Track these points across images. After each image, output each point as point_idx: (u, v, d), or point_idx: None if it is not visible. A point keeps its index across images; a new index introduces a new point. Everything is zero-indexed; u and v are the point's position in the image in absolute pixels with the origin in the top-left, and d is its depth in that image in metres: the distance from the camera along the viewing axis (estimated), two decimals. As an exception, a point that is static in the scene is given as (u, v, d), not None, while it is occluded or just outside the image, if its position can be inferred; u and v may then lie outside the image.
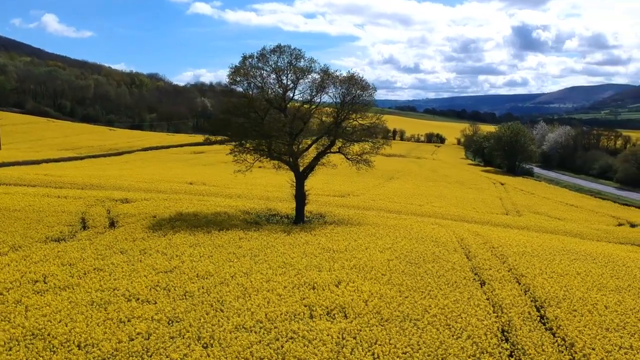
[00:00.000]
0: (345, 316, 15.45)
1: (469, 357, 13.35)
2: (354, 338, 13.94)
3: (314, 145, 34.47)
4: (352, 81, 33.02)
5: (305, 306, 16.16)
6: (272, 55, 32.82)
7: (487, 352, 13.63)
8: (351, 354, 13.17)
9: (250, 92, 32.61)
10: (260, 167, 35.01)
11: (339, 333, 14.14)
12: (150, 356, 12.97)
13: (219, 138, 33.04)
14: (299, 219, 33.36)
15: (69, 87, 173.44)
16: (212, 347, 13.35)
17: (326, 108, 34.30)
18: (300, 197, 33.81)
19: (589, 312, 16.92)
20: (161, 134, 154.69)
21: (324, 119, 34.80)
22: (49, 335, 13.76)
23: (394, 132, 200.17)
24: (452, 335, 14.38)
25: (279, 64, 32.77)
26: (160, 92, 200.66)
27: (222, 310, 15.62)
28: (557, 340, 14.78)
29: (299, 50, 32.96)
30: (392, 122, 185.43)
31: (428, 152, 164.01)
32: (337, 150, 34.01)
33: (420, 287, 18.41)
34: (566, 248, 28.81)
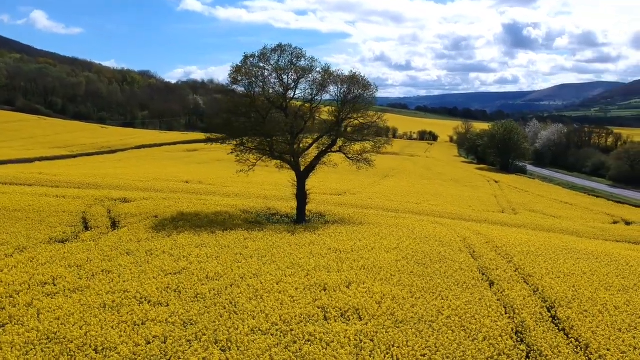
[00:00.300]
0: (360, 318, 15.44)
1: (488, 359, 13.40)
2: (371, 340, 13.94)
3: (314, 145, 34.47)
4: (354, 80, 33.04)
5: (319, 308, 16.14)
6: (273, 55, 32.78)
7: (504, 354, 13.67)
8: (370, 356, 13.17)
9: (251, 92, 32.55)
10: (265, 166, 34.82)
11: (355, 335, 14.13)
12: (169, 360, 12.93)
13: (220, 136, 32.75)
14: (300, 218, 33.34)
15: (60, 85, 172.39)
16: (230, 350, 13.30)
17: (328, 107, 34.25)
18: (302, 196, 33.79)
19: (600, 313, 17.02)
20: (154, 131, 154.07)
21: (325, 118, 34.80)
22: (64, 338, 13.66)
23: (387, 129, 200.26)
24: (469, 337, 14.41)
25: (280, 63, 32.74)
26: (152, 89, 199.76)
27: (236, 313, 15.57)
28: (571, 342, 14.84)
29: (300, 49, 32.96)
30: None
31: (421, 149, 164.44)
32: (338, 149, 34.01)
33: (430, 288, 18.45)
34: (568, 247, 28.95)
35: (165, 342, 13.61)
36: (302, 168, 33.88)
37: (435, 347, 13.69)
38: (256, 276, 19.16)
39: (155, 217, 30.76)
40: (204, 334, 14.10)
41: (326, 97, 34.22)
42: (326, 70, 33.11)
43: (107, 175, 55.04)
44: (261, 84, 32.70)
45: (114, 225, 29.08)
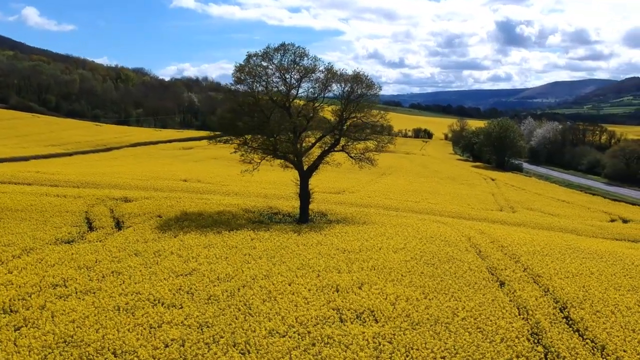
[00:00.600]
0: (376, 320, 15.45)
1: (507, 361, 13.44)
2: (390, 342, 13.94)
3: (317, 144, 34.42)
4: (357, 79, 33.00)
5: (333, 309, 16.13)
6: (276, 54, 32.68)
7: (523, 356, 13.72)
8: (390, 359, 13.17)
9: (255, 91, 32.44)
10: (270, 165, 34.77)
11: (373, 338, 14.14)
12: (189, 363, 12.89)
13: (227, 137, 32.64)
14: (304, 218, 33.28)
15: (53, 82, 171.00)
16: (249, 353, 13.28)
17: (332, 106, 34.18)
18: (305, 195, 33.73)
19: (612, 313, 17.10)
20: (149, 129, 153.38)
21: (328, 117, 34.77)
22: (82, 342, 13.60)
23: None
24: (486, 339, 14.43)
25: (283, 62, 32.66)
26: (146, 87, 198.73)
27: (251, 315, 15.53)
28: (587, 343, 14.89)
29: (303, 48, 32.91)
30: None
31: (417, 147, 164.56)
32: (341, 148, 33.98)
33: (442, 289, 18.47)
34: (572, 246, 29.07)
35: (183, 346, 13.56)
36: (305, 167, 33.82)
37: (454, 349, 13.72)
38: (267, 277, 19.12)
39: (159, 216, 30.68)
40: (222, 337, 14.06)
41: (330, 95, 34.22)
42: (329, 70, 33.06)
43: (105, 174, 54.78)
44: (264, 83, 32.61)
45: (118, 225, 28.97)
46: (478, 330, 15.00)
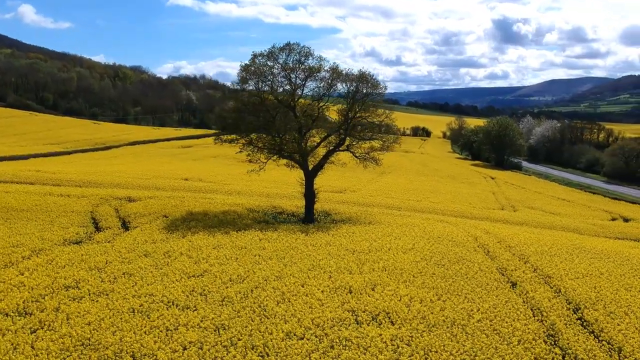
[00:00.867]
0: (392, 322, 15.43)
1: (526, 364, 13.45)
2: (408, 345, 13.93)
3: (322, 143, 34.39)
4: (363, 79, 32.98)
5: (348, 311, 16.13)
6: (282, 54, 32.65)
7: (541, 358, 13.74)
8: (410, 362, 13.17)
9: (261, 91, 32.41)
10: (277, 165, 34.75)
11: (391, 340, 14.12)
12: (209, 366, 12.86)
13: (233, 136, 32.55)
14: (309, 217, 33.24)
15: (51, 80, 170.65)
16: (268, 356, 13.26)
17: (337, 106, 34.16)
18: (310, 195, 33.70)
19: (626, 315, 17.14)
20: (147, 127, 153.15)
21: (333, 117, 34.77)
22: (99, 344, 13.55)
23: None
24: (504, 341, 14.44)
25: (288, 62, 32.63)
26: (144, 85, 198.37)
27: (266, 317, 15.50)
28: (603, 345, 14.92)
29: (308, 48, 32.89)
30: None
31: (415, 145, 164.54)
32: (346, 148, 33.96)
33: (455, 291, 18.48)
34: (578, 246, 29.13)
35: (202, 348, 13.53)
36: (310, 167, 33.79)
37: (473, 351, 13.72)
38: (279, 278, 19.10)
39: (165, 216, 30.64)
40: (239, 339, 14.03)
41: (334, 95, 34.21)
42: (335, 69, 33.02)
43: (106, 173, 54.69)
44: (269, 82, 32.59)
45: (125, 225, 28.92)
46: (495, 332, 15.00)
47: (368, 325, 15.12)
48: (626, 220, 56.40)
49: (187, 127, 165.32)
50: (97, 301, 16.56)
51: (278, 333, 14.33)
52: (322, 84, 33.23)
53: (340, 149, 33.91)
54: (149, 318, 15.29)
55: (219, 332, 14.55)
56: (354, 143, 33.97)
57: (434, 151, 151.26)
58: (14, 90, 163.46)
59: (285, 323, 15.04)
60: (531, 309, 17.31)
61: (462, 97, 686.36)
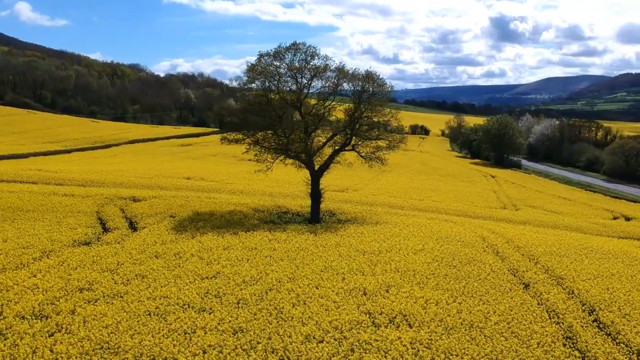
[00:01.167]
0: (410, 325, 15.38)
1: (547, 367, 13.44)
2: (428, 348, 13.89)
3: (328, 143, 34.36)
4: (369, 79, 32.96)
5: (365, 313, 16.08)
6: (288, 53, 32.61)
7: (562, 361, 13.73)
8: (431, 365, 13.15)
9: (268, 90, 32.38)
10: (284, 164, 34.71)
11: (411, 343, 14.08)
12: (229, 370, 12.82)
13: (239, 136, 32.47)
14: (315, 218, 33.21)
15: (49, 78, 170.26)
16: None
17: (344, 105, 34.14)
18: (316, 195, 33.68)
19: (641, 316, 17.13)
20: (145, 126, 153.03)
21: (340, 116, 34.73)
22: (119, 348, 13.48)
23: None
24: (523, 344, 14.42)
25: (294, 62, 32.59)
26: (142, 83, 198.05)
27: (283, 319, 15.45)
28: (621, 348, 14.91)
29: (314, 47, 32.86)
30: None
31: (414, 143, 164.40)
32: (351, 148, 33.95)
33: (470, 292, 18.47)
34: (585, 246, 29.19)
35: (222, 352, 13.46)
36: (317, 167, 33.76)
37: (494, 355, 13.68)
38: (292, 280, 19.06)
39: (172, 217, 30.60)
40: (258, 342, 13.97)
41: (340, 94, 34.19)
42: (341, 69, 33.00)
43: (108, 172, 54.65)
44: (276, 82, 32.56)
45: (132, 225, 28.85)
46: (513, 335, 14.98)
47: (386, 328, 15.07)
48: (628, 219, 56.59)
49: (185, 126, 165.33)
50: (112, 304, 16.48)
51: (297, 336, 14.28)
52: (327, 84, 33.24)
53: (346, 148, 33.89)
54: (166, 321, 15.22)
55: (237, 335, 14.48)
56: (359, 142, 33.97)
57: (433, 149, 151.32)
58: (12, 88, 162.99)
59: (303, 326, 14.98)
60: (547, 311, 17.29)
61: (460, 95, 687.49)
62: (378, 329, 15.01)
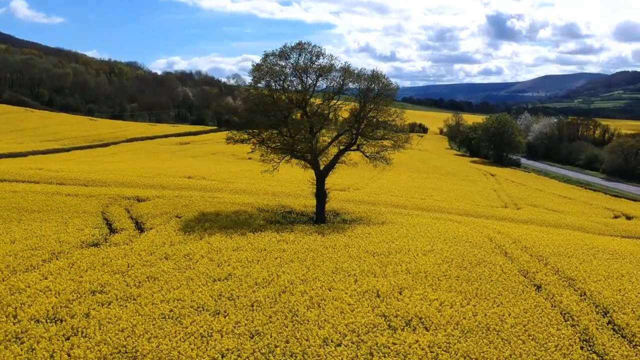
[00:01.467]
0: (426, 328, 15.36)
1: (567, 371, 13.42)
2: (446, 351, 13.87)
3: (333, 143, 34.30)
4: (375, 78, 32.90)
5: (380, 316, 16.05)
6: (293, 53, 32.52)
7: (581, 365, 13.72)
8: (451, 369, 13.12)
9: (273, 90, 32.30)
10: (287, 162, 34.58)
11: (429, 347, 14.06)
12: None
13: (245, 136, 32.39)
14: (320, 218, 33.15)
15: (46, 76, 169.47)
16: (308, 363, 13.17)
17: (349, 105, 34.09)
18: (321, 195, 33.62)
19: (656, 318, 17.12)
20: (143, 124, 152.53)
21: (345, 115, 34.69)
22: (136, 352, 13.42)
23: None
24: (541, 347, 14.41)
25: (300, 61, 32.51)
26: (140, 81, 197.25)
27: (300, 322, 15.40)
28: (638, 351, 14.91)
29: (320, 47, 32.77)
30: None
31: (413, 141, 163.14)
32: (356, 147, 33.90)
33: (483, 294, 18.46)
34: (591, 246, 29.22)
35: (240, 356, 13.42)
36: (322, 167, 33.71)
37: (513, 358, 13.67)
38: (305, 282, 19.01)
39: (178, 217, 30.50)
40: (276, 346, 13.93)
41: (346, 94, 34.16)
42: (346, 69, 32.93)
43: (109, 171, 54.49)
44: (281, 82, 32.48)
45: (139, 226, 28.72)
46: (530, 338, 14.97)
47: (402, 331, 15.05)
48: (629, 218, 56.62)
49: (183, 124, 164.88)
50: (126, 306, 16.41)
51: (315, 340, 14.23)
52: (333, 84, 33.18)
53: (351, 148, 33.85)
54: (181, 324, 15.15)
55: (254, 338, 14.43)
56: (364, 142, 33.92)
57: (432, 148, 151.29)
58: (9, 86, 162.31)
59: (320, 329, 14.94)
60: (561, 314, 17.29)
61: (457, 92, 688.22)
62: (395, 332, 14.98)
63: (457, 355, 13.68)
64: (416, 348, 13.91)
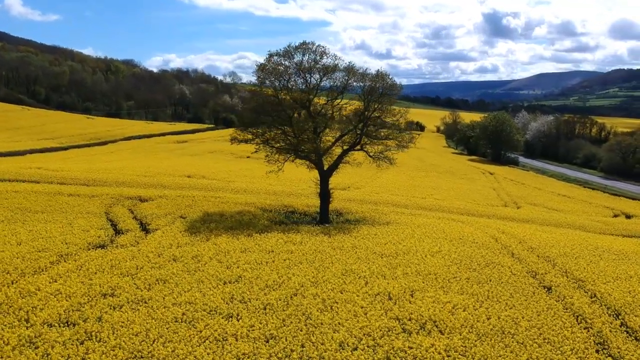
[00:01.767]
0: (441, 332, 15.32)
1: (584, 375, 13.41)
2: (463, 355, 13.85)
3: (337, 143, 34.24)
4: (379, 78, 32.84)
5: (394, 319, 16.01)
6: (297, 53, 32.43)
7: (598, 369, 13.71)
8: (469, 374, 13.08)
9: (278, 90, 32.21)
10: (292, 161, 34.50)
11: (445, 351, 14.02)
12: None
13: (249, 136, 32.27)
14: (324, 218, 33.08)
15: (42, 74, 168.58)
16: (326, 368, 13.12)
17: (353, 105, 34.03)
18: (325, 195, 33.54)
19: (668, 321, 17.14)
20: (140, 122, 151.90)
21: (349, 116, 34.61)
22: (152, 357, 13.35)
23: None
24: (557, 351, 14.40)
25: (303, 61, 32.42)
26: (136, 79, 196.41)
27: (313, 326, 15.35)
28: (653, 353, 14.92)
29: (324, 47, 32.71)
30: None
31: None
32: (360, 147, 33.85)
33: (494, 297, 18.44)
34: (596, 246, 29.31)
35: (257, 361, 13.35)
36: (326, 167, 33.63)
37: (530, 362, 13.65)
38: (315, 284, 18.95)
39: (182, 217, 30.39)
40: (292, 350, 13.87)
41: (350, 94, 34.11)
42: (350, 69, 32.85)
43: (109, 170, 54.30)
44: (285, 82, 32.39)
45: (144, 227, 28.57)
46: (546, 341, 14.95)
47: (417, 335, 15.00)
48: (628, 216, 56.77)
49: (180, 122, 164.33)
50: (138, 310, 16.31)
51: (331, 344, 14.18)
52: (336, 84, 33.11)
53: (355, 148, 33.80)
54: (195, 328, 15.08)
55: (269, 342, 14.37)
56: (368, 142, 33.88)
57: (430, 146, 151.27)
58: (5, 84, 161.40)
59: (335, 332, 14.89)
60: (574, 316, 17.29)
61: (453, 90, 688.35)
62: (410, 336, 14.94)
63: (474, 359, 13.63)
64: (433, 352, 13.87)
